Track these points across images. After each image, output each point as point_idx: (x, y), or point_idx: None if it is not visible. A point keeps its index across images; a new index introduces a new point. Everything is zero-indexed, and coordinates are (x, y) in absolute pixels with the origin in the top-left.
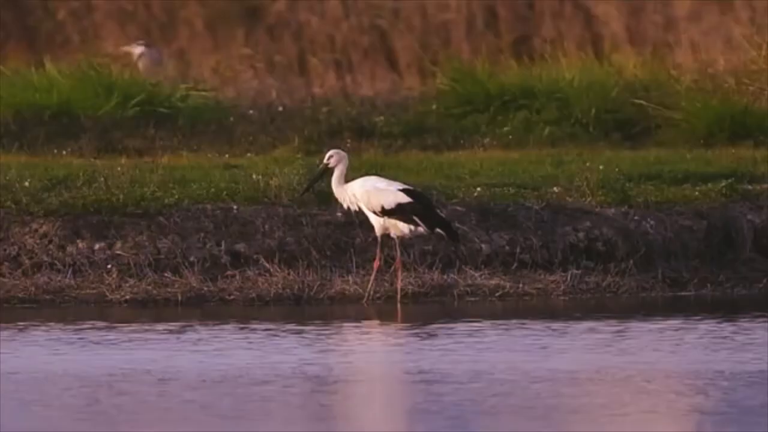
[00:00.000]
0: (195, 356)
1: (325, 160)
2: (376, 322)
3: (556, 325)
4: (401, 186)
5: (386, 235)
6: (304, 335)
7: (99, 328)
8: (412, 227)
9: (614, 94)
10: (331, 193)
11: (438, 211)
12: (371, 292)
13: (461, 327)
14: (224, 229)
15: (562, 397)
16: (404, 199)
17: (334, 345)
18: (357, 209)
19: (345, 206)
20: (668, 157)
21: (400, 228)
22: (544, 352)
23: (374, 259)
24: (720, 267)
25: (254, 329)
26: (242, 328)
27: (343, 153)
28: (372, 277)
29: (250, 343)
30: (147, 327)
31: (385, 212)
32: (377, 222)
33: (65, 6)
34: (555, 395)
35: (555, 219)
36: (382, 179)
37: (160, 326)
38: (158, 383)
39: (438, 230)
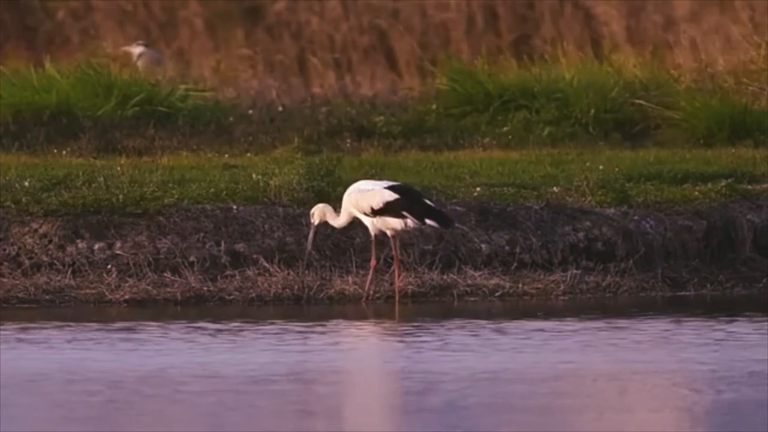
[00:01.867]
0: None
1: (312, 221)
2: (329, 321)
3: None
4: (387, 184)
5: (383, 234)
6: (242, 335)
7: (40, 328)
8: (404, 222)
9: (614, 94)
10: (329, 194)
11: (427, 201)
12: (370, 292)
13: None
14: (224, 229)
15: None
16: (391, 196)
17: (276, 345)
18: (357, 217)
19: (354, 218)
20: (668, 157)
21: (392, 225)
22: (486, 352)
23: (374, 261)
24: (720, 267)
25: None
26: (192, 328)
27: (318, 206)
28: (369, 276)
29: (193, 343)
30: (98, 327)
31: (374, 212)
32: (369, 222)
33: (65, 6)
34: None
35: (555, 219)
36: (368, 181)
37: (111, 325)
38: (64, 383)
39: (429, 221)
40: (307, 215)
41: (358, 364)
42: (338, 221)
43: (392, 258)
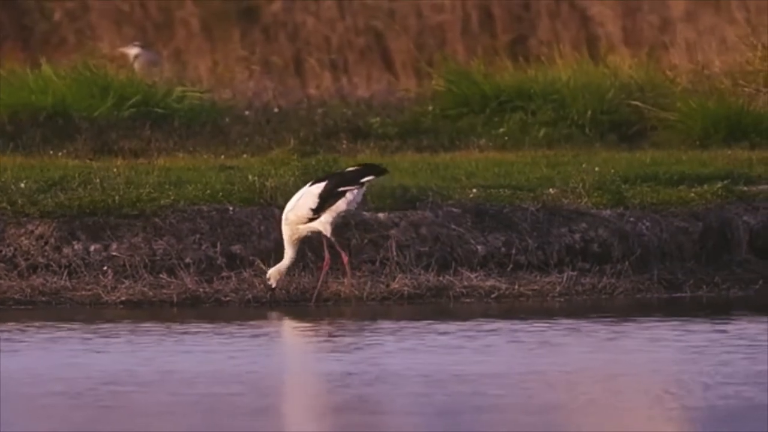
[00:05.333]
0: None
1: (270, 285)
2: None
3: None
4: (308, 184)
5: (339, 228)
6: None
7: None
8: (346, 199)
9: (610, 96)
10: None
11: (349, 168)
12: (364, 292)
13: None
14: (220, 230)
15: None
16: (319, 187)
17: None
18: (307, 233)
19: (308, 230)
20: (664, 159)
21: (340, 208)
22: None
23: (345, 256)
24: (715, 268)
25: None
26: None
27: (269, 271)
28: (348, 272)
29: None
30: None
31: (316, 210)
32: (319, 224)
33: (61, 7)
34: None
35: (551, 220)
36: (290, 201)
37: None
38: None
39: (365, 179)
40: None
41: (221, 367)
42: (286, 259)
43: (388, 259)
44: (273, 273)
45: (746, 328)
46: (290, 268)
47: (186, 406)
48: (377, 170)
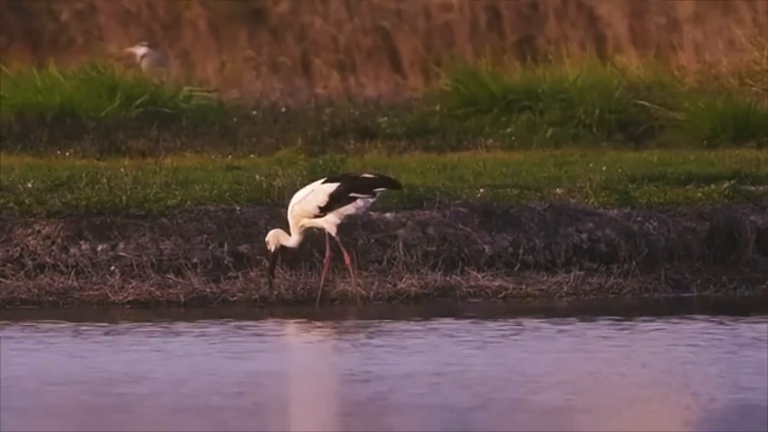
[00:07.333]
0: None
1: (269, 249)
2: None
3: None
4: (320, 181)
5: (345, 228)
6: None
7: None
8: (356, 205)
9: (617, 95)
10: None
11: (365, 175)
12: (362, 291)
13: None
14: (227, 230)
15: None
16: (331, 187)
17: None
18: (311, 226)
19: (312, 225)
20: (671, 158)
21: (347, 212)
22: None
23: (348, 256)
24: (723, 268)
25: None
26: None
27: (271, 232)
28: (352, 273)
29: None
30: None
31: (324, 209)
32: (325, 222)
33: (69, 8)
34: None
35: (558, 220)
36: (301, 190)
37: None
38: None
39: (378, 190)
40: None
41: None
42: (291, 241)
43: (395, 259)
44: (271, 236)
45: (686, 329)
46: (293, 250)
47: (101, 406)
48: (391, 183)
